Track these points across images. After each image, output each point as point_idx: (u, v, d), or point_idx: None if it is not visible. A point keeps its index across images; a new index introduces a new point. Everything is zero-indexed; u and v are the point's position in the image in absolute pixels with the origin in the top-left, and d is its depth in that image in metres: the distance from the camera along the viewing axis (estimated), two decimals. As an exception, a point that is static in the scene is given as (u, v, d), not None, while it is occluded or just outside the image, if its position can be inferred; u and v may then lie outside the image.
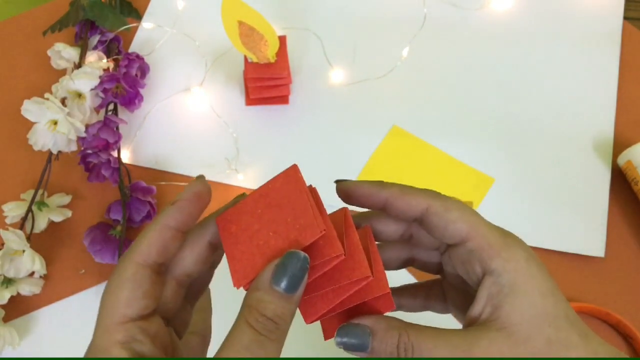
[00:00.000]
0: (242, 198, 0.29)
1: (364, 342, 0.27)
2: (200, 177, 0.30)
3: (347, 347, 0.27)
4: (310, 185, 0.29)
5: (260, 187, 0.28)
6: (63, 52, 0.60)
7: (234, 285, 0.26)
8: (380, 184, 0.30)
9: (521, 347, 0.26)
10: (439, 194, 0.29)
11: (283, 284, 0.25)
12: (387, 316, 0.28)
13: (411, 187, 0.29)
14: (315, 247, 0.26)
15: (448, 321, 0.32)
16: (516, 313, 0.26)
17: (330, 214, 0.29)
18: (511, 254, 0.27)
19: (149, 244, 0.27)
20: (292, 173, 0.28)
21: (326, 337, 0.29)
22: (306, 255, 0.25)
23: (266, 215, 0.26)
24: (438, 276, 0.33)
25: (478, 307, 0.27)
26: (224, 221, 0.28)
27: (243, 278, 0.26)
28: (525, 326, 0.26)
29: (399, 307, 0.34)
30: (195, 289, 0.31)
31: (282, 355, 0.25)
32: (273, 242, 0.26)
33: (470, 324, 0.28)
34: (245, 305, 0.25)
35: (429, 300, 0.34)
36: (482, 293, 0.27)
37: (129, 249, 0.28)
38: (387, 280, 0.27)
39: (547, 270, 0.28)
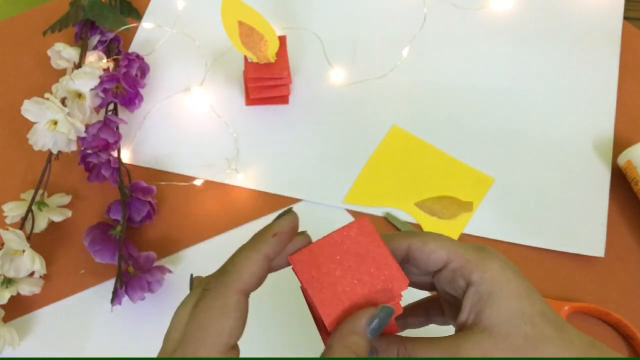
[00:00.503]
0: (291, 213, 0.32)
1: (370, 357, 0.31)
2: (292, 211, 0.33)
3: None
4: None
5: (332, 234, 0.32)
6: (63, 52, 0.60)
7: (328, 328, 0.30)
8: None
9: (502, 344, 0.29)
10: (416, 232, 0.34)
11: (373, 332, 0.29)
12: (387, 335, 0.32)
13: (393, 234, 0.34)
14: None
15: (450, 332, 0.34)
16: (495, 315, 0.30)
17: (347, 226, 0.32)
18: (487, 265, 0.31)
19: (252, 273, 0.29)
20: (367, 225, 0.31)
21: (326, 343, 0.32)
22: (394, 309, 0.30)
23: (347, 263, 0.30)
24: (435, 293, 0.36)
25: (464, 315, 0.31)
26: (299, 262, 0.31)
27: (335, 321, 0.30)
28: (505, 325, 0.30)
29: (406, 327, 0.37)
30: None
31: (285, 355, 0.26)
32: (359, 290, 0.30)
33: (459, 330, 0.31)
34: (343, 345, 0.29)
35: (430, 316, 0.37)
36: (466, 302, 0.31)
37: (225, 274, 0.29)
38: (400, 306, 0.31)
39: (522, 275, 0.31)
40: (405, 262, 0.33)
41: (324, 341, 0.31)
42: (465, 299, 0.31)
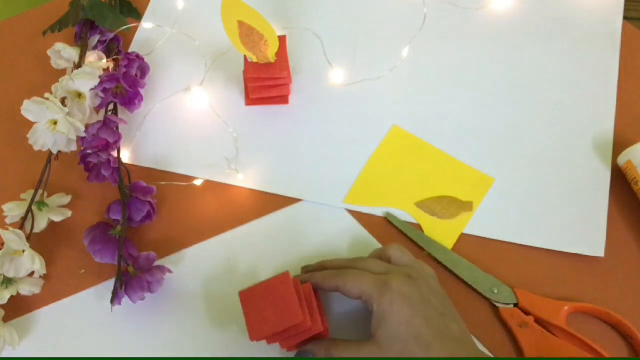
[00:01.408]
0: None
1: (307, 357, 0.48)
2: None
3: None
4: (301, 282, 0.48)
5: (265, 282, 0.46)
6: (63, 52, 0.60)
7: (250, 339, 0.45)
8: (311, 275, 0.49)
9: (382, 354, 0.44)
10: (342, 273, 0.47)
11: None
12: (325, 339, 0.48)
13: (326, 274, 0.48)
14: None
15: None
16: (382, 335, 0.44)
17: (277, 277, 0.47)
18: (382, 300, 0.44)
19: None
20: (286, 278, 0.46)
21: (284, 349, 0.49)
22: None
23: (269, 300, 0.46)
24: None
25: (372, 329, 0.45)
26: (244, 297, 0.46)
27: (254, 337, 0.45)
28: (386, 343, 0.44)
29: None
30: None
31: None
32: (273, 318, 0.45)
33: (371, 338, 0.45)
34: None
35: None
36: (372, 322, 0.45)
37: None
38: (321, 321, 0.47)
39: (409, 304, 0.44)
40: (337, 292, 0.47)
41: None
42: (372, 320, 0.45)
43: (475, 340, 0.48)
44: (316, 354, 0.47)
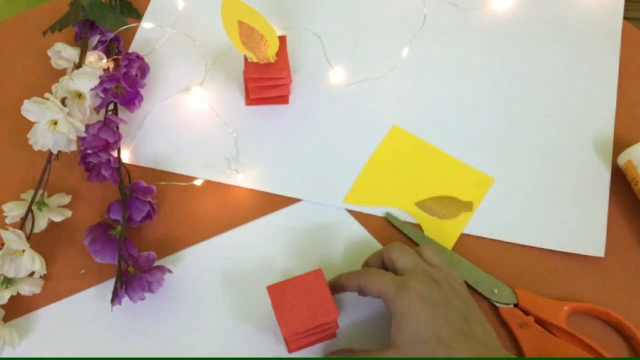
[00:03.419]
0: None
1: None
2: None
3: None
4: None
5: (297, 277, 0.46)
6: (63, 52, 0.60)
7: (283, 334, 0.45)
8: (338, 277, 0.49)
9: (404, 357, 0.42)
10: (365, 271, 0.47)
11: None
12: (344, 349, 0.48)
13: (351, 273, 0.47)
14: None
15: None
16: (402, 338, 0.42)
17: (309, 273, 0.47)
18: (400, 300, 0.43)
19: None
20: (319, 275, 0.47)
21: (290, 352, 0.49)
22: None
23: (302, 296, 0.46)
24: None
25: (392, 334, 0.44)
26: (274, 292, 0.46)
27: (287, 332, 0.45)
28: (406, 346, 0.42)
29: None
30: None
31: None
32: (306, 314, 0.45)
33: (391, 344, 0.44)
34: None
35: None
36: (392, 326, 0.44)
37: None
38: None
39: (435, 304, 0.42)
40: (360, 292, 0.47)
41: (286, 343, 0.49)
42: (392, 324, 0.44)
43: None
44: None
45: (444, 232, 0.54)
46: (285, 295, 0.46)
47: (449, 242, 0.54)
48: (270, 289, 0.46)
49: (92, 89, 0.56)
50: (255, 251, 0.54)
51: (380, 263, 0.49)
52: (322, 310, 0.45)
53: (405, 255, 0.47)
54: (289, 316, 0.45)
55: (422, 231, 0.55)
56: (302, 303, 0.45)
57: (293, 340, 0.47)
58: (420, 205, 0.56)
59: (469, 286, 0.52)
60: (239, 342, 0.51)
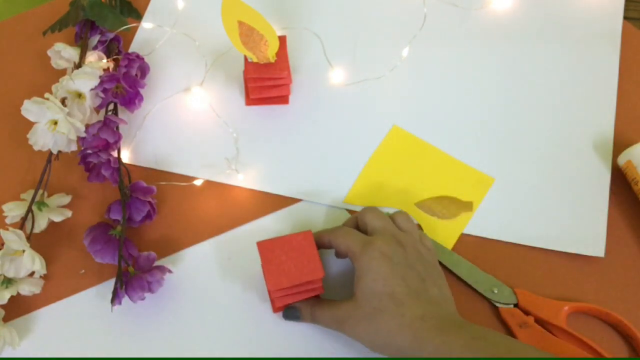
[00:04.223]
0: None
1: (296, 315, 0.50)
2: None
3: (287, 318, 0.50)
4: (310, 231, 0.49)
5: (286, 236, 0.48)
6: (63, 52, 0.60)
7: (269, 288, 0.47)
8: (318, 232, 0.50)
9: (359, 310, 0.45)
10: (336, 229, 0.49)
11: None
12: (308, 300, 0.49)
13: (324, 231, 0.50)
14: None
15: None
16: (360, 291, 0.46)
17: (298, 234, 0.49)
18: (364, 256, 0.46)
19: None
20: (309, 236, 0.48)
21: (274, 311, 0.51)
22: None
23: (290, 254, 0.47)
24: None
25: (353, 288, 0.47)
26: (263, 247, 0.47)
27: (274, 286, 0.46)
28: (363, 299, 0.45)
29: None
30: None
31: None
32: (294, 271, 0.46)
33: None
34: None
35: None
36: (354, 280, 0.47)
37: None
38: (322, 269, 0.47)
39: (393, 263, 0.45)
40: (330, 248, 0.49)
41: (271, 302, 0.51)
42: (354, 278, 0.47)
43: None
44: (302, 311, 0.49)
45: (444, 232, 0.54)
46: (274, 251, 0.47)
47: (449, 242, 0.54)
48: (260, 244, 0.47)
49: (92, 89, 0.56)
50: (256, 251, 0.54)
51: (355, 225, 0.51)
52: (309, 269, 0.46)
53: (377, 218, 0.49)
54: (275, 271, 0.46)
55: (422, 231, 0.55)
56: (290, 260, 0.47)
57: (278, 297, 0.48)
58: (420, 205, 0.56)
59: (469, 286, 0.52)
60: (239, 342, 0.51)
